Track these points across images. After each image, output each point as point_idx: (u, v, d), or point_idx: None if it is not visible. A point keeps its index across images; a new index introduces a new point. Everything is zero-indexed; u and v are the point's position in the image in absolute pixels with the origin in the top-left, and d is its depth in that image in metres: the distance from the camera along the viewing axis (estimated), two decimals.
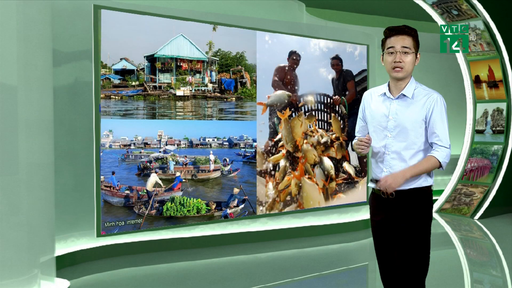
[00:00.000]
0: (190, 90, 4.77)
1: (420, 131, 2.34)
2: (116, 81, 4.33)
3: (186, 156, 4.75)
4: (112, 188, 4.29)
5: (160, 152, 4.59)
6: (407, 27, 2.34)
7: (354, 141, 2.59)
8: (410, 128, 2.33)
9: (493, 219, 6.73)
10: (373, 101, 2.46)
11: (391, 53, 2.33)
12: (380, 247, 2.45)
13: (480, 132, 7.35)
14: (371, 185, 2.47)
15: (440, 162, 2.32)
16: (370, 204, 2.51)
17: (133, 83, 4.43)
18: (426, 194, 2.38)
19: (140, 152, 4.48)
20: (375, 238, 2.48)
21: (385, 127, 2.37)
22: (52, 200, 3.60)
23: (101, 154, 4.24)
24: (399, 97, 2.36)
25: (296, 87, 5.48)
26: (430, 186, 2.39)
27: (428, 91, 2.38)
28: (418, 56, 2.38)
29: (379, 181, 2.34)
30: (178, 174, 4.68)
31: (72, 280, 3.94)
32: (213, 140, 4.93)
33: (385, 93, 2.40)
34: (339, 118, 5.80)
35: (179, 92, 4.70)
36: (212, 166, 4.90)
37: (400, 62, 2.31)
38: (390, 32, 2.35)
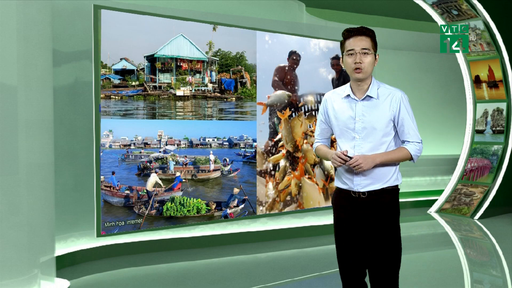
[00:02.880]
0: (190, 90, 4.77)
1: (387, 130, 2.36)
2: (116, 81, 4.33)
3: (186, 156, 4.75)
4: (112, 188, 4.29)
5: (160, 152, 4.59)
6: (365, 28, 2.36)
7: (317, 145, 2.59)
8: (379, 128, 2.35)
9: (493, 219, 6.73)
10: (335, 103, 2.46)
11: (351, 54, 2.34)
12: (345, 246, 2.43)
13: (480, 132, 7.35)
14: (340, 185, 2.45)
15: (411, 155, 2.38)
16: (336, 203, 2.49)
17: (133, 83, 4.43)
18: (395, 192, 2.42)
19: (140, 152, 4.48)
20: (339, 236, 2.46)
21: (353, 129, 2.38)
22: (52, 200, 3.60)
23: (101, 154, 4.24)
24: (365, 99, 2.37)
25: (296, 87, 5.48)
26: (398, 185, 2.44)
27: (390, 90, 2.39)
28: (377, 56, 2.39)
29: (349, 160, 2.31)
30: (178, 174, 4.68)
31: (72, 280, 3.94)
32: (213, 140, 4.93)
33: (349, 95, 2.41)
34: None
35: (179, 92, 4.70)
36: (212, 166, 4.90)
37: (361, 63, 2.32)
38: (349, 33, 2.37)
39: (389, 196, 2.39)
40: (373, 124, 2.35)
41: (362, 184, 2.37)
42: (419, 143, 2.40)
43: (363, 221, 2.37)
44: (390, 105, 2.36)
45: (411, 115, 2.40)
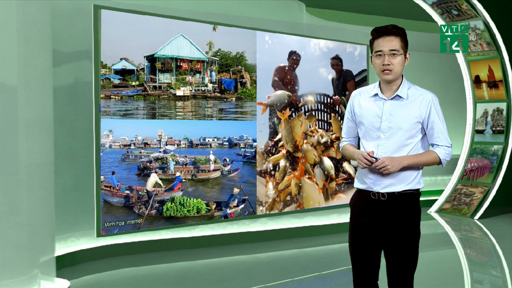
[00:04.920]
0: (190, 90, 4.77)
1: (413, 131, 2.31)
2: (116, 81, 4.33)
3: (186, 156, 4.75)
4: (112, 188, 4.29)
5: (160, 152, 4.59)
6: (394, 27, 2.29)
7: (344, 144, 2.55)
8: (405, 129, 2.29)
9: (493, 219, 6.73)
10: (363, 101, 2.41)
11: (379, 55, 2.29)
12: (360, 250, 2.40)
13: (480, 132, 7.35)
14: (359, 186, 2.41)
15: (440, 159, 2.34)
16: (355, 205, 2.44)
17: (133, 83, 4.43)
18: (416, 196, 2.36)
19: (140, 152, 4.48)
20: (355, 238, 2.42)
21: (378, 128, 2.33)
22: (52, 200, 3.60)
23: (101, 154, 4.24)
24: (394, 98, 2.32)
25: (296, 87, 5.48)
26: (419, 188, 2.38)
27: (421, 92, 2.34)
28: (407, 56, 2.33)
29: (375, 162, 2.25)
30: (178, 174, 4.68)
31: (72, 280, 3.94)
32: (213, 140, 4.93)
33: (377, 94, 2.36)
34: (339, 118, 5.81)
35: (179, 92, 4.70)
36: (212, 166, 4.90)
37: (389, 65, 2.27)
38: (377, 33, 2.30)
39: (410, 200, 2.33)
40: (399, 124, 2.29)
41: (382, 185, 2.31)
42: (448, 147, 2.35)
43: (382, 224, 2.32)
44: (420, 107, 2.30)
45: (442, 119, 2.34)
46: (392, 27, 2.29)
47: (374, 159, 2.26)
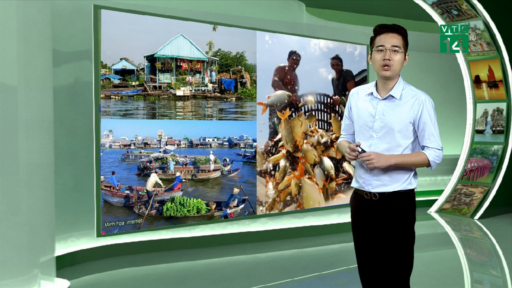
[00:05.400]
0: (190, 90, 4.77)
1: (406, 133, 2.31)
2: (116, 81, 4.33)
3: (186, 156, 4.75)
4: (112, 188, 4.29)
5: (160, 152, 4.59)
6: (397, 25, 2.32)
7: (339, 140, 2.57)
8: (397, 129, 2.30)
9: (493, 219, 6.73)
10: (360, 99, 2.42)
11: (381, 51, 2.29)
12: (360, 248, 2.42)
13: (480, 132, 7.35)
14: (354, 184, 2.43)
15: (429, 161, 2.31)
16: (352, 204, 2.47)
17: (133, 83, 4.43)
18: (409, 197, 2.35)
19: (140, 152, 4.48)
20: (355, 238, 2.45)
21: (371, 127, 2.34)
22: (52, 200, 3.60)
23: (101, 154, 4.24)
24: (387, 98, 2.33)
25: (296, 87, 5.48)
26: (413, 189, 2.37)
27: (415, 92, 2.34)
28: (406, 56, 2.33)
29: (362, 153, 2.26)
30: (178, 174, 4.68)
31: (72, 280, 3.94)
32: (213, 140, 4.93)
33: (372, 92, 2.37)
34: (339, 118, 5.81)
35: (179, 92, 4.70)
36: (212, 166, 4.90)
37: (389, 60, 2.27)
38: (381, 29, 2.31)
39: (403, 201, 2.33)
40: (391, 124, 2.30)
41: (373, 184, 2.33)
42: (439, 149, 2.33)
43: (376, 225, 2.34)
44: (412, 107, 2.30)
45: (434, 121, 2.32)
46: (396, 25, 2.32)
47: (360, 149, 2.27)
